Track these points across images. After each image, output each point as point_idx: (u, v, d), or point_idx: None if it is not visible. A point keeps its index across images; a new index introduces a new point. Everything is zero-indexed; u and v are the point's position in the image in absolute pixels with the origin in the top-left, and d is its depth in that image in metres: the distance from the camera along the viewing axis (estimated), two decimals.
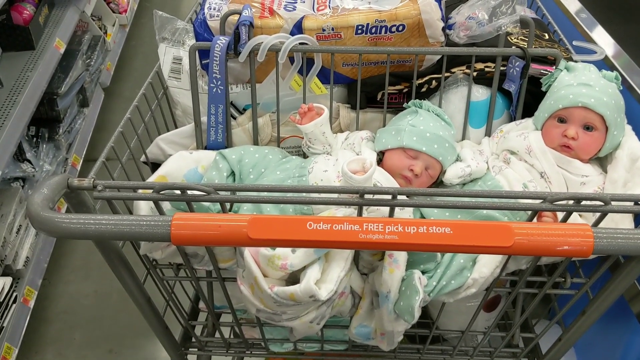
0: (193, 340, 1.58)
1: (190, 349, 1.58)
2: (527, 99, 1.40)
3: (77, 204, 1.06)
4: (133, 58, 4.23)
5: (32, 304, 2.43)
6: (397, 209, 1.22)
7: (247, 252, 1.09)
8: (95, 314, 2.68)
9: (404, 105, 1.40)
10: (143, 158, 1.45)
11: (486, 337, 1.44)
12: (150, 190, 0.99)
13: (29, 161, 2.72)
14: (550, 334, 1.42)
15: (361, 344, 1.44)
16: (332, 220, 0.88)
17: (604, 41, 1.63)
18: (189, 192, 0.97)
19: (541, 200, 0.95)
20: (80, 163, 3.15)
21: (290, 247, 1.04)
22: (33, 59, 2.78)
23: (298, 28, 1.36)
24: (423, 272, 1.18)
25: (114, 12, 4.05)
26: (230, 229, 0.87)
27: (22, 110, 2.46)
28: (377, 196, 0.99)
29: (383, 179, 1.27)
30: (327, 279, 1.09)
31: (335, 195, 1.01)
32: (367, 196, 0.97)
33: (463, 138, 1.45)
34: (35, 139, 2.89)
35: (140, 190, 1.10)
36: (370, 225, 0.87)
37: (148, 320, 1.39)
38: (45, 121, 3.02)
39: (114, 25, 3.97)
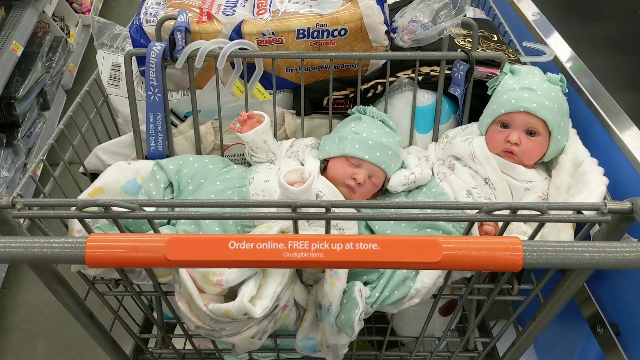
0: (146, 353, 1.55)
1: None
2: (474, 103, 1.38)
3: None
4: None
5: None
6: (341, 221, 1.20)
7: (183, 268, 1.05)
8: (57, 324, 2.62)
9: (348, 112, 1.37)
10: (82, 169, 1.41)
11: (441, 341, 1.42)
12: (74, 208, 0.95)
13: None
14: (509, 336, 1.40)
15: None
16: (256, 239, 0.84)
17: (556, 42, 1.61)
18: (113, 209, 0.93)
19: (477, 211, 0.93)
20: (41, 168, 3.08)
21: (212, 267, 1.01)
22: None
23: (237, 33, 1.32)
24: (366, 284, 1.16)
25: (76, 12, 3.95)
26: (147, 250, 0.83)
27: None
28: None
29: (325, 189, 1.24)
30: (263, 295, 1.06)
31: (273, 210, 0.98)
32: (303, 210, 0.94)
33: (410, 144, 1.43)
34: None
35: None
36: (295, 243, 0.84)
37: (92, 335, 1.35)
38: (3, 126, 2.94)
39: (76, 26, 3.87)
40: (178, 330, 1.69)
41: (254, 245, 0.84)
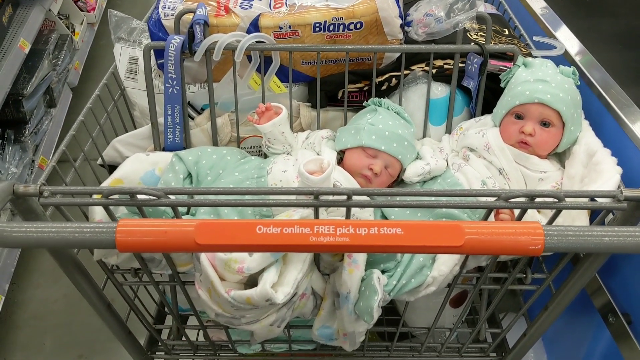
0: (159, 344, 1.56)
1: (156, 353, 1.56)
2: (487, 96, 1.40)
3: (25, 210, 1.03)
4: (103, 57, 4.15)
5: None
6: (357, 210, 1.21)
7: (204, 256, 1.07)
8: (65, 319, 2.63)
9: (363, 104, 1.39)
10: (100, 161, 1.42)
11: (453, 332, 1.44)
12: (100, 195, 0.96)
13: None
14: (518, 328, 1.42)
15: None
16: (283, 224, 0.86)
17: (565, 36, 1.63)
18: (138, 196, 0.95)
19: (496, 198, 0.95)
20: (48, 164, 3.10)
21: (240, 251, 1.03)
22: None
23: (254, 26, 1.34)
24: (383, 272, 1.18)
25: (81, 10, 3.97)
26: (177, 235, 0.85)
27: None
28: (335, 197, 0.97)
29: (343, 179, 1.26)
30: (285, 281, 1.07)
31: (292, 197, 1.00)
32: (323, 197, 0.96)
33: (424, 136, 1.45)
34: (0, 141, 2.83)
35: (94, 195, 1.08)
36: (321, 228, 0.86)
37: (109, 326, 1.37)
38: (11, 123, 2.95)
39: (82, 24, 3.89)
40: (190, 322, 1.71)
41: (281, 230, 0.85)
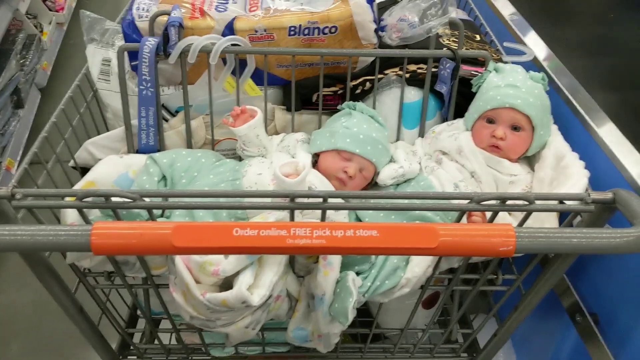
0: (131, 347, 1.55)
1: (128, 357, 1.55)
2: (459, 100, 1.43)
3: None
4: (72, 57, 4.08)
5: None
6: (332, 212, 1.23)
7: (179, 258, 1.07)
8: (33, 324, 2.58)
9: (338, 107, 1.40)
10: (72, 163, 1.40)
11: (425, 333, 1.46)
12: (74, 198, 0.96)
13: None
14: (489, 328, 1.45)
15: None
16: (260, 226, 0.86)
17: (534, 43, 1.67)
18: (113, 199, 0.94)
19: (468, 201, 0.97)
20: (15, 167, 3.03)
21: (217, 254, 1.03)
22: None
23: (230, 29, 1.34)
24: (358, 273, 1.19)
25: (50, 10, 3.91)
26: (153, 238, 0.84)
27: None
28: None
29: (318, 182, 1.27)
30: (260, 284, 1.08)
31: (268, 200, 1.01)
32: (299, 200, 0.96)
33: (397, 139, 1.47)
34: None
35: (67, 198, 1.06)
36: (298, 230, 0.86)
37: (81, 330, 1.35)
38: None
39: (50, 24, 3.83)
40: (163, 325, 1.70)
41: (257, 232, 0.86)
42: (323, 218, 1.01)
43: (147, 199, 0.98)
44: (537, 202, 0.97)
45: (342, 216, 1.24)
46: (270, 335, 1.46)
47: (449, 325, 1.48)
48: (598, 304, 1.33)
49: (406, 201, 1.13)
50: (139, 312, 1.62)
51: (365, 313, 1.69)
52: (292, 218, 1.03)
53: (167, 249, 0.85)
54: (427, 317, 1.67)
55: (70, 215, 1.16)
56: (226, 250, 0.89)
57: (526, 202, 0.97)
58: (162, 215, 1.23)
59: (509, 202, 0.97)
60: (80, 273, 1.25)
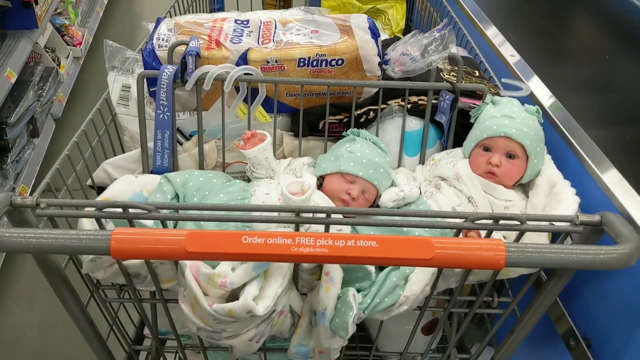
0: None
1: None
2: (458, 130, 1.50)
3: (19, 222, 1.07)
4: (86, 89, 4.21)
5: None
6: (336, 229, 1.29)
7: (188, 270, 1.12)
8: (39, 346, 2.61)
9: (343, 134, 1.47)
10: (89, 182, 1.48)
11: (424, 357, 1.49)
12: (93, 209, 1.02)
13: None
14: (486, 355, 1.48)
15: None
16: (267, 235, 0.93)
17: (532, 81, 1.75)
18: (130, 210, 1.01)
19: (464, 220, 1.03)
20: (28, 193, 3.11)
21: (226, 260, 1.08)
22: None
23: (243, 59, 1.43)
24: (358, 290, 1.24)
25: (68, 44, 4.05)
26: (168, 243, 0.91)
27: None
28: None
29: (322, 202, 1.33)
30: (265, 295, 1.13)
31: (275, 214, 1.07)
32: (304, 215, 1.03)
33: (399, 165, 1.54)
34: None
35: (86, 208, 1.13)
36: (303, 239, 0.93)
37: (90, 344, 1.39)
38: None
39: (67, 58, 3.97)
40: (169, 344, 1.73)
41: (265, 240, 0.92)
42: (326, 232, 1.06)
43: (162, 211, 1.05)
44: (529, 222, 1.03)
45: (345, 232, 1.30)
46: (273, 356, 1.49)
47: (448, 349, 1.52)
48: (591, 329, 1.36)
49: (403, 219, 1.18)
50: (145, 331, 1.66)
51: (365, 338, 1.72)
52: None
53: (180, 254, 0.91)
54: (426, 343, 1.70)
55: (87, 226, 1.22)
56: (235, 257, 0.95)
57: (518, 222, 1.03)
58: (174, 227, 1.29)
59: (501, 222, 1.03)
60: (93, 285, 1.31)
